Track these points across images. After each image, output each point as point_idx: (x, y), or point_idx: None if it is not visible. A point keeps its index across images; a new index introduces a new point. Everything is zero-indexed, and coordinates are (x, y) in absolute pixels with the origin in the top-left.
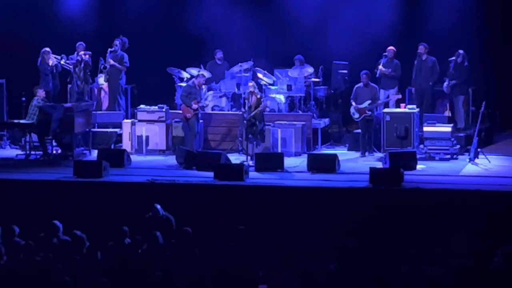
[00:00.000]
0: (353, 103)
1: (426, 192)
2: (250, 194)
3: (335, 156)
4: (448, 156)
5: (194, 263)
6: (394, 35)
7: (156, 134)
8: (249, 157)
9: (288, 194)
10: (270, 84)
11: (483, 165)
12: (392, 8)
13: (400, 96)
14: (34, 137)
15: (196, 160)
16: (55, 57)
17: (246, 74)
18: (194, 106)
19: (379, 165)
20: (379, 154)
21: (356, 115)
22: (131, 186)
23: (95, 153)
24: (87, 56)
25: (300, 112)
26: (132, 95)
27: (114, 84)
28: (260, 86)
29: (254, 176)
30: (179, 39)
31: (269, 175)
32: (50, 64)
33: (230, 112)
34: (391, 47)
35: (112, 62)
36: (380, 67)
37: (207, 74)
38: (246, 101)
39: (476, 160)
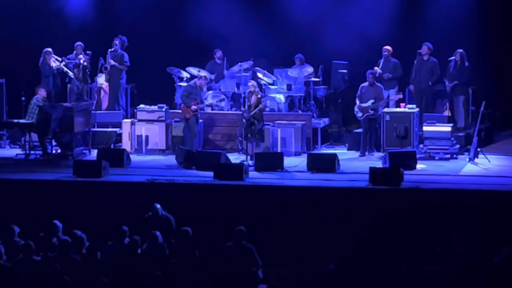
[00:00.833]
0: (357, 102)
1: (426, 192)
2: (249, 194)
3: (335, 156)
4: (448, 156)
5: (194, 263)
6: (394, 35)
7: (155, 134)
8: (248, 157)
9: (288, 194)
10: (270, 84)
11: (483, 165)
12: (392, 8)
13: (401, 96)
14: (34, 136)
15: (195, 159)
16: (56, 59)
17: (246, 74)
18: (193, 107)
19: (379, 164)
20: (379, 154)
21: (359, 114)
22: (130, 186)
23: (94, 152)
24: (85, 61)
25: (300, 112)
26: (131, 94)
27: (115, 84)
28: (260, 86)
29: (254, 176)
30: (179, 38)
31: (269, 175)
32: (52, 65)
33: (230, 112)
34: (387, 47)
35: (112, 62)
36: (379, 70)
37: (208, 75)
38: (247, 100)
39: (476, 160)
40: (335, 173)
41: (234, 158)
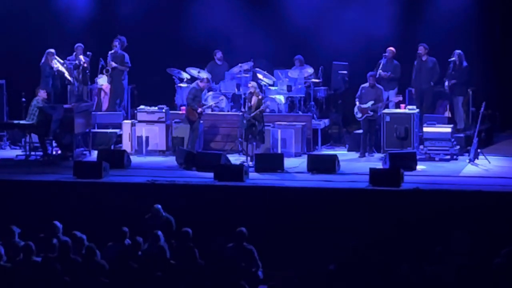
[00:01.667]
0: (357, 103)
1: (426, 193)
2: (250, 195)
3: (335, 157)
4: (448, 157)
5: (194, 263)
6: (394, 35)
7: (156, 135)
8: (249, 158)
9: (288, 195)
10: (270, 85)
11: (483, 166)
12: (392, 9)
13: (401, 98)
14: (34, 137)
15: (196, 160)
16: (58, 61)
17: (246, 75)
18: (200, 110)
19: (379, 165)
20: (379, 155)
21: (359, 115)
22: (131, 187)
23: (95, 153)
24: (85, 63)
25: (300, 113)
26: (132, 95)
27: (117, 84)
28: (260, 87)
29: (254, 177)
30: (179, 39)
31: (269, 176)
32: (52, 66)
33: (230, 112)
34: (390, 48)
35: (114, 64)
36: (380, 71)
37: (209, 76)
38: (247, 101)
39: (476, 161)
40: (335, 174)
41: (234, 159)
